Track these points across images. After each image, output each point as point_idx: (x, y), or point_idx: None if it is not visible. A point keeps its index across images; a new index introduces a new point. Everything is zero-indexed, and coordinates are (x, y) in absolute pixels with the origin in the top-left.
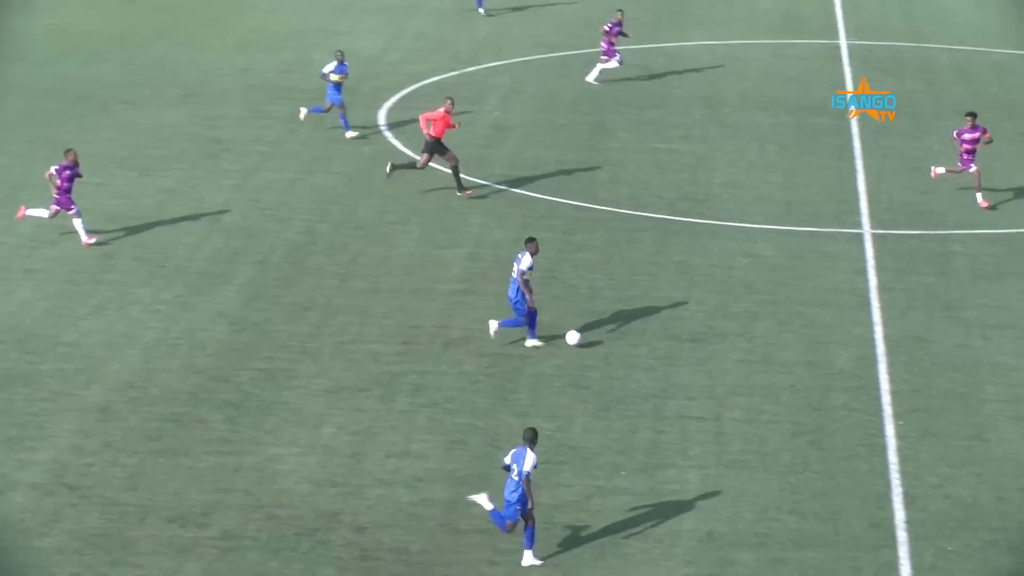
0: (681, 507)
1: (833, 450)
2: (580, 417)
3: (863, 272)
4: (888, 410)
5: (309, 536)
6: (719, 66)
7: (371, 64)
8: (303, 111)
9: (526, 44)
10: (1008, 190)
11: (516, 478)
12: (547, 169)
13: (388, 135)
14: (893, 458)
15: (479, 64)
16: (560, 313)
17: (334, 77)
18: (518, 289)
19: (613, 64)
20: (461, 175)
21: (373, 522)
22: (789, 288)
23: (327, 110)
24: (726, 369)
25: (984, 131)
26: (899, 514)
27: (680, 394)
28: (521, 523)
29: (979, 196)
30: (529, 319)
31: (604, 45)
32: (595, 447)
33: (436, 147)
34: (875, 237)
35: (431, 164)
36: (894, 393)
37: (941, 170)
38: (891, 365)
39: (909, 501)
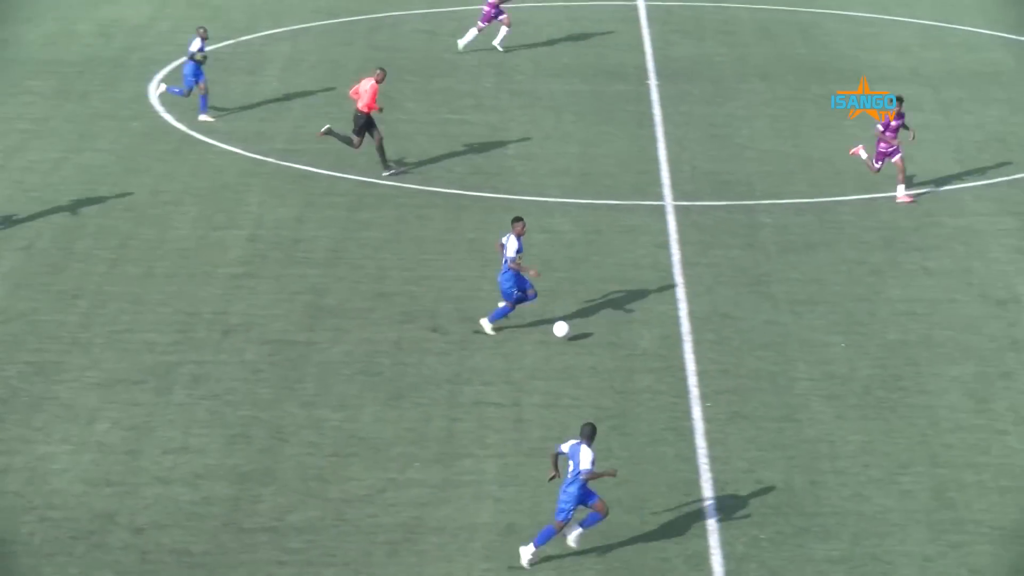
0: (479, 499)
1: (638, 435)
2: (370, 406)
3: (666, 246)
4: (695, 391)
5: (84, 539)
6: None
7: (139, 34)
8: (162, 86)
9: (305, 10)
10: (821, 160)
11: (570, 475)
12: (331, 143)
13: (160, 109)
14: (701, 442)
15: (256, 32)
16: (346, 296)
17: (199, 56)
18: (509, 277)
19: (473, 32)
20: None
21: (152, 523)
22: (588, 265)
23: (187, 94)
24: (524, 352)
25: (904, 121)
26: (709, 501)
27: (476, 379)
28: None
29: (901, 188)
30: (511, 304)
31: (488, 9)
32: (387, 438)
33: (366, 123)
34: (678, 209)
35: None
36: (701, 373)
37: (863, 154)
38: (697, 344)
39: (719, 487)
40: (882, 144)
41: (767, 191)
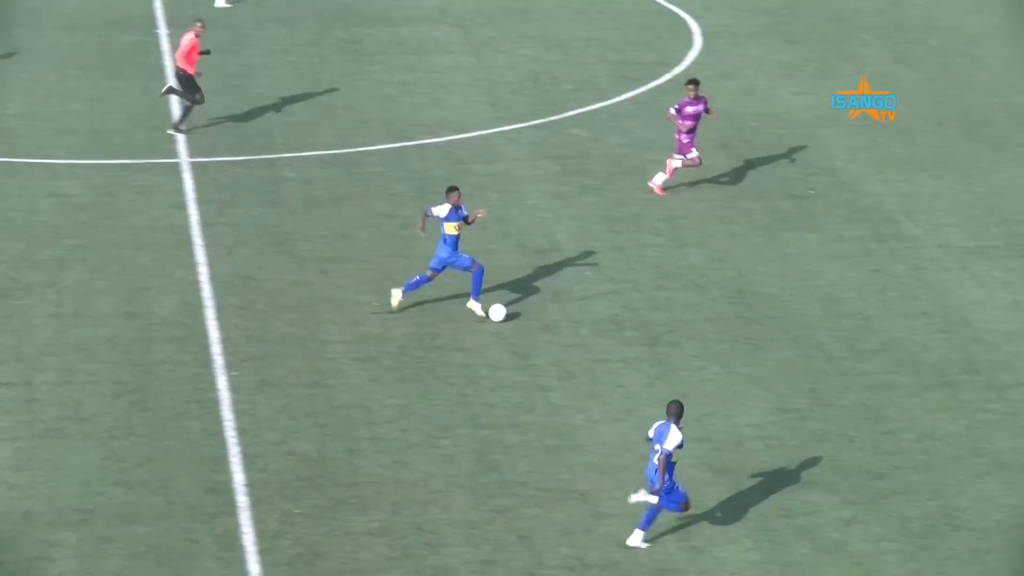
0: None
1: (160, 410)
2: None
3: (183, 207)
4: (219, 360)
5: None
6: None
7: None
8: None
9: None
10: (345, 108)
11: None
12: None
13: None
14: (228, 414)
15: None
16: None
17: None
18: (447, 247)
19: None
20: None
21: None
22: (100, 229)
23: None
24: (34, 326)
25: (706, 105)
26: (238, 476)
27: None
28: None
29: (660, 177)
30: (431, 275)
31: None
32: None
33: (188, 82)
34: (194, 166)
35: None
36: (225, 341)
37: (677, 163)
38: (220, 310)
39: (248, 461)
40: (683, 136)
41: (289, 143)
